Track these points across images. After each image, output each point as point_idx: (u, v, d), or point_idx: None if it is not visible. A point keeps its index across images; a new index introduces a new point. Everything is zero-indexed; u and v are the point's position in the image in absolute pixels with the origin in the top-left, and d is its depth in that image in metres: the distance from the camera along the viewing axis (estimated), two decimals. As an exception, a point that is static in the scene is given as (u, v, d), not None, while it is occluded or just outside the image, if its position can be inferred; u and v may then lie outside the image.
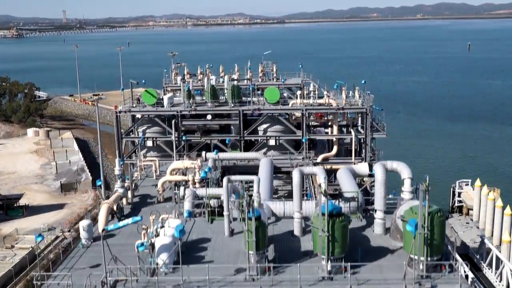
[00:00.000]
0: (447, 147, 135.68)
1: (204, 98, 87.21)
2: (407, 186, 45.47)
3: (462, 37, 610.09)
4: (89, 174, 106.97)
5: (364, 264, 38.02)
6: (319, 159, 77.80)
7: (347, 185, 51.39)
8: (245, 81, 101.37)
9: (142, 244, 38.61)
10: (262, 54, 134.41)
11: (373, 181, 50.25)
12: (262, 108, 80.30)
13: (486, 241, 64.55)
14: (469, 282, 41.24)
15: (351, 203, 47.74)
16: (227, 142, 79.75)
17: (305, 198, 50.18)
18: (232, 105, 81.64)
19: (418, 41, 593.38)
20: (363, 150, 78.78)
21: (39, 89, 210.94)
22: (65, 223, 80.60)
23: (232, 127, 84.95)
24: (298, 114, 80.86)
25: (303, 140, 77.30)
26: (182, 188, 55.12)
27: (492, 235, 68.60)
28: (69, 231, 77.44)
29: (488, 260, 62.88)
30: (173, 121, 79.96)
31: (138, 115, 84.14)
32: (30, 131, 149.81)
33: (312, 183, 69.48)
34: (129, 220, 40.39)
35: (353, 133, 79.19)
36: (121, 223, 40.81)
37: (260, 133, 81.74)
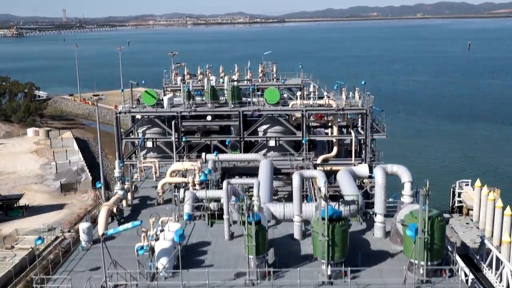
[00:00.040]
0: (447, 147, 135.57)
1: (204, 98, 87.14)
2: (407, 190, 45.35)
3: (462, 36, 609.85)
4: (89, 174, 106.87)
5: (364, 269, 37.96)
6: (319, 160, 77.76)
7: (347, 188, 51.35)
8: (245, 81, 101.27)
9: (142, 248, 38.58)
10: (262, 53, 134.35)
11: (373, 182, 50.17)
12: (262, 109, 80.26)
13: (486, 241, 64.45)
14: (469, 284, 41.20)
15: (351, 206, 47.64)
16: (227, 143, 79.71)
17: (305, 201, 49.95)
18: (232, 106, 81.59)
19: (418, 40, 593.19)
20: (363, 151, 78.72)
21: (39, 89, 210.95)
22: (65, 223, 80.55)
23: (232, 128, 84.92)
24: (298, 115, 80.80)
25: (303, 141, 77.26)
26: (182, 190, 55.09)
27: (492, 236, 68.60)
28: (69, 231, 77.41)
29: (488, 261, 62.79)
30: (173, 122, 79.90)
31: (138, 116, 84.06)
32: (30, 131, 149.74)
33: (312, 184, 69.42)
34: (128, 225, 40.31)
35: (353, 134, 79.16)
36: (121, 228, 40.73)
37: (260, 134, 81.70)
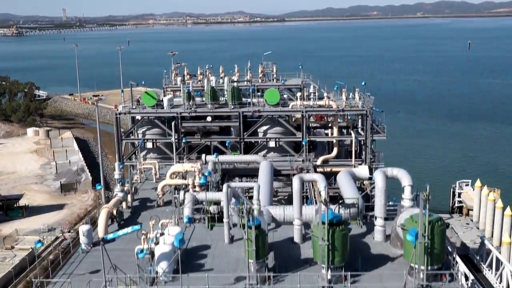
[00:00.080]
0: (447, 147, 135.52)
1: (204, 99, 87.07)
2: (407, 194, 45.27)
3: (462, 36, 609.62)
4: (89, 174, 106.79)
5: (364, 273, 37.90)
6: (319, 161, 77.65)
7: (348, 190, 51.27)
8: (245, 82, 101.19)
9: (141, 251, 38.52)
10: (262, 52, 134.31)
11: (373, 183, 50.10)
12: (262, 109, 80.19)
13: (486, 242, 64.40)
14: (469, 284, 41.16)
15: (351, 209, 47.58)
16: (227, 144, 79.62)
17: (305, 204, 49.85)
18: (232, 107, 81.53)
19: (418, 40, 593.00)
20: (363, 152, 78.65)
21: (39, 88, 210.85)
22: (65, 223, 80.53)
23: (232, 128, 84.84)
24: (298, 115, 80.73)
25: (303, 143, 77.18)
26: (182, 192, 55.01)
27: (492, 236, 68.56)
28: (69, 231, 77.39)
29: (488, 261, 62.75)
30: (173, 123, 79.81)
31: (138, 117, 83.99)
32: (30, 131, 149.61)
33: (312, 186, 69.32)
34: (128, 229, 40.28)
35: (353, 134, 79.07)
36: (121, 232, 40.72)
37: (260, 134, 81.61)
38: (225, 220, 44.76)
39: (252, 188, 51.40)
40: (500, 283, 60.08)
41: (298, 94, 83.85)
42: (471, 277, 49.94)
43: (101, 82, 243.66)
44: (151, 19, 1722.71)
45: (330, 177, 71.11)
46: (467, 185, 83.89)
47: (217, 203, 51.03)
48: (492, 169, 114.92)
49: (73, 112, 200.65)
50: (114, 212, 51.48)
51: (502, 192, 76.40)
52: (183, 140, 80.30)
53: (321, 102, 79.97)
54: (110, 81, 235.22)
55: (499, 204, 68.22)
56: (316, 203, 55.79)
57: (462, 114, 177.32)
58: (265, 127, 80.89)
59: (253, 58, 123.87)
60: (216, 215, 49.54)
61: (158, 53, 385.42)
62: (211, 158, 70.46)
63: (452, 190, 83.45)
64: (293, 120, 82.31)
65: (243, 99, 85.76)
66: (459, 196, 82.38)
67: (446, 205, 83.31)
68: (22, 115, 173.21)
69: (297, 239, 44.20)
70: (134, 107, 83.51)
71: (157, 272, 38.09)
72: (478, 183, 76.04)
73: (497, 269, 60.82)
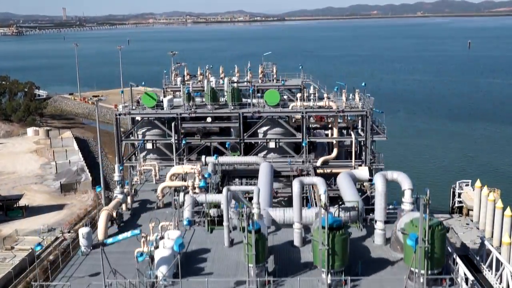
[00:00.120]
0: (447, 147, 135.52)
1: (203, 100, 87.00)
2: (407, 197, 45.11)
3: (462, 35, 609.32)
4: (89, 174, 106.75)
5: (364, 278, 37.79)
6: (319, 162, 77.60)
7: (348, 192, 51.18)
8: (245, 83, 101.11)
9: (141, 254, 38.41)
10: (262, 52, 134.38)
11: (373, 185, 50.01)
12: (262, 110, 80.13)
13: (486, 242, 64.30)
14: (468, 285, 41.03)
15: (351, 212, 47.49)
16: (227, 145, 79.57)
17: (305, 207, 49.73)
18: (232, 108, 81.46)
19: (418, 39, 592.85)
20: (363, 153, 78.60)
21: (39, 88, 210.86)
22: (64, 224, 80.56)
23: (232, 129, 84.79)
24: (298, 116, 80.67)
25: (303, 144, 77.12)
26: (181, 194, 54.90)
27: (492, 237, 68.53)
28: (69, 232, 77.43)
29: (488, 262, 62.70)
30: (173, 124, 79.73)
31: (138, 118, 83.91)
32: (30, 130, 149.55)
33: (312, 187, 69.28)
34: (128, 233, 40.21)
35: (353, 135, 79.02)
36: (120, 237, 40.65)
37: (260, 135, 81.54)
38: (225, 223, 44.60)
39: (252, 191, 51.32)
40: (500, 283, 60.01)
41: (298, 95, 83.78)
42: (471, 277, 49.81)
43: (101, 81, 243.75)
44: (151, 18, 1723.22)
45: (330, 178, 71.15)
46: (467, 185, 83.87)
47: (217, 205, 50.91)
48: (492, 169, 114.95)
49: (73, 111, 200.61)
50: (114, 214, 51.36)
51: (502, 192, 76.34)
52: (183, 141, 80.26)
53: (321, 103, 79.91)
54: (110, 81, 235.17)
55: (499, 204, 68.18)
56: (316, 205, 55.78)
57: (462, 114, 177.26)
58: (265, 128, 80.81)
59: (253, 58, 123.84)
60: (216, 218, 49.43)
61: (158, 53, 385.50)
62: (211, 159, 70.37)
63: (452, 190, 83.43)
64: (293, 121, 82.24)
65: (243, 100, 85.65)
66: (459, 196, 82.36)
67: (446, 205, 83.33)
68: (22, 114, 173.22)
69: (297, 242, 44.06)
70: (134, 107, 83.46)
71: (156, 277, 37.98)
72: (478, 183, 76.02)
73: (497, 269, 60.71)
